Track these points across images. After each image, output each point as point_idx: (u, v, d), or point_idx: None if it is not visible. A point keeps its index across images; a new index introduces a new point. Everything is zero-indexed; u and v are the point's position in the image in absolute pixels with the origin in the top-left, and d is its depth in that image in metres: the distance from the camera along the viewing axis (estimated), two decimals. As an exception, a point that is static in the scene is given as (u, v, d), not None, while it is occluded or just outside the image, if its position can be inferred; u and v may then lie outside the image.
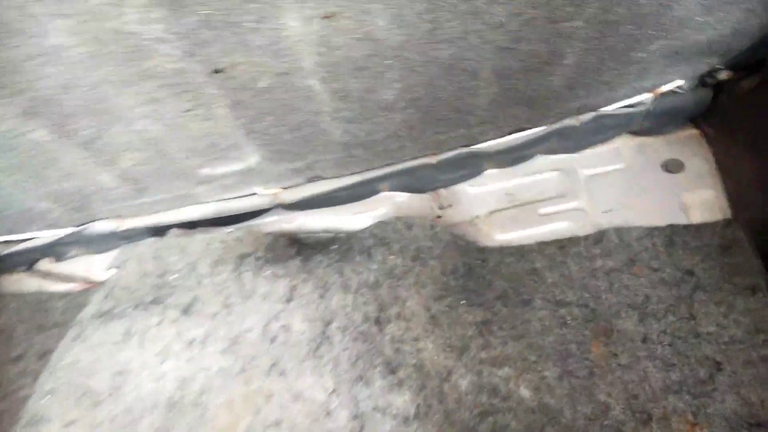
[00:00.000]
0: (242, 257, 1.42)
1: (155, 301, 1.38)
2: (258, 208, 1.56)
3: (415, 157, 1.50)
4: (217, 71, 1.02)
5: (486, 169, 1.67)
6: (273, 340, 1.30)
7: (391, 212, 1.64)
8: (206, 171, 1.31)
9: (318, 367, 1.24)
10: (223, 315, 1.33)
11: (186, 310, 1.35)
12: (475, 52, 1.09)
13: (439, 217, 1.65)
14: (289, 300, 1.35)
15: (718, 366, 1.25)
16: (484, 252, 1.52)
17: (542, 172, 1.67)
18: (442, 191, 1.67)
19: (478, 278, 1.45)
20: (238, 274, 1.38)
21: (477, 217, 1.63)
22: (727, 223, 1.45)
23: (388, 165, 1.51)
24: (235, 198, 1.53)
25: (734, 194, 1.47)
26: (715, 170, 1.55)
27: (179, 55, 0.96)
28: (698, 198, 1.54)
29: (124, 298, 1.42)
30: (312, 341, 1.28)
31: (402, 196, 1.66)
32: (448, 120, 1.33)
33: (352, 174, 1.52)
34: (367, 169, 1.50)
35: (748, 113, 1.41)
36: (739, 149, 1.45)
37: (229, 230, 1.49)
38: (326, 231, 1.63)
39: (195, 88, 1.04)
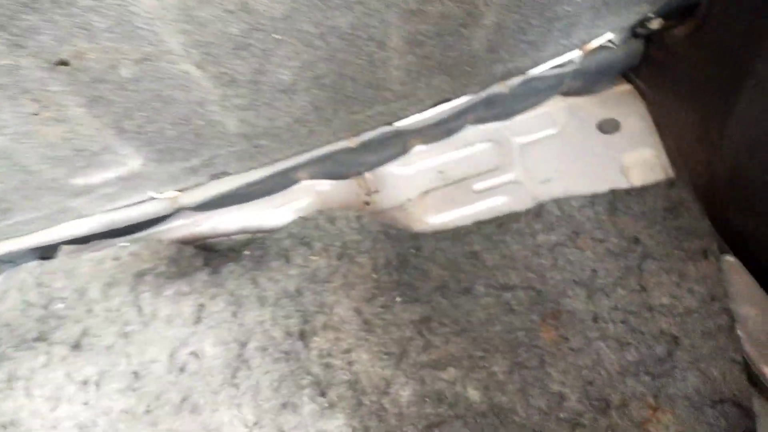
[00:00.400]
0: (140, 275, 1.22)
1: (40, 338, 1.17)
2: (158, 215, 1.37)
3: (331, 141, 1.33)
4: (61, 63, 0.82)
5: (413, 146, 1.53)
6: (181, 370, 1.12)
7: (314, 202, 1.48)
8: (80, 181, 1.10)
9: (236, 397, 1.07)
10: (121, 346, 1.14)
11: (76, 345, 1.15)
12: (378, 18, 0.92)
13: (367, 203, 1.50)
14: (197, 321, 1.16)
15: (675, 341, 1.16)
16: (418, 239, 1.38)
17: (473, 143, 1.54)
18: (368, 175, 1.52)
19: (414, 269, 1.31)
20: (136, 296, 1.19)
21: (408, 200, 1.49)
22: (670, 184, 1.36)
23: (302, 152, 1.34)
24: (130, 206, 1.32)
25: (675, 151, 1.38)
26: (652, 127, 1.45)
27: (3, 49, 0.76)
28: (638, 158, 1.44)
29: (5, 337, 1.21)
30: (227, 367, 1.11)
31: (324, 185, 1.50)
32: (362, 97, 1.17)
33: (263, 166, 1.33)
34: (279, 159, 1.32)
35: (683, 62, 1.30)
36: (676, 102, 1.35)
37: (123, 244, 1.29)
38: (244, 231, 1.46)
39: (36, 86, 0.83)
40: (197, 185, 1.31)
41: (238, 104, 1.04)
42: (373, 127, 1.32)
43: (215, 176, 1.29)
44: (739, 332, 1.14)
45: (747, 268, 1.17)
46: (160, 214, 1.36)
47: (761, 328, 1.15)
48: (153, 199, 1.32)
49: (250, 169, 1.31)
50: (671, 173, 1.39)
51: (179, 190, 1.31)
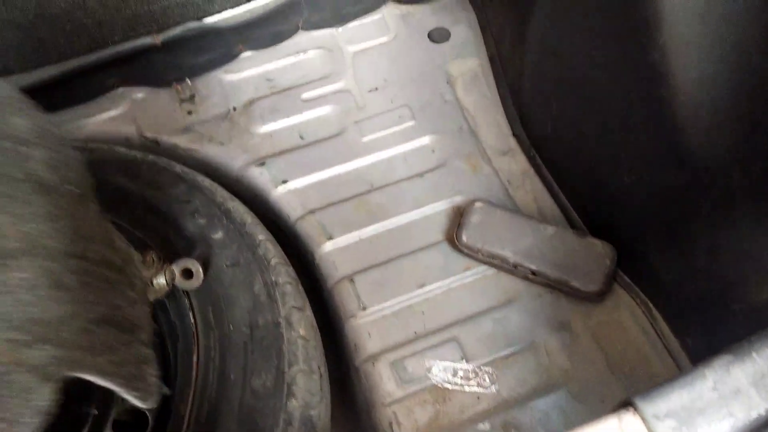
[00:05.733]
0: None
1: None
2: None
3: (131, 37, 1.20)
4: None
5: (240, 53, 1.44)
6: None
7: (127, 113, 1.37)
8: None
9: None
10: None
11: None
12: None
13: (189, 112, 1.41)
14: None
15: None
16: None
17: (305, 50, 1.46)
18: (189, 81, 1.42)
19: None
20: None
21: (233, 109, 1.41)
22: None
23: (98, 50, 1.21)
24: None
25: (496, 58, 1.37)
26: (479, 36, 1.44)
27: None
28: (463, 68, 1.42)
29: None
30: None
31: (140, 92, 1.39)
32: (151, -18, 1.06)
33: (52, 64, 1.19)
34: (71, 57, 1.19)
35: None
36: (497, 8, 1.33)
37: None
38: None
39: None
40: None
41: (-14, -21, 0.91)
42: (178, 22, 1.21)
43: (-6, 74, 1.15)
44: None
45: (546, 167, 1.18)
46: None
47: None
48: None
49: (37, 67, 1.17)
50: (492, 84, 1.38)
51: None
